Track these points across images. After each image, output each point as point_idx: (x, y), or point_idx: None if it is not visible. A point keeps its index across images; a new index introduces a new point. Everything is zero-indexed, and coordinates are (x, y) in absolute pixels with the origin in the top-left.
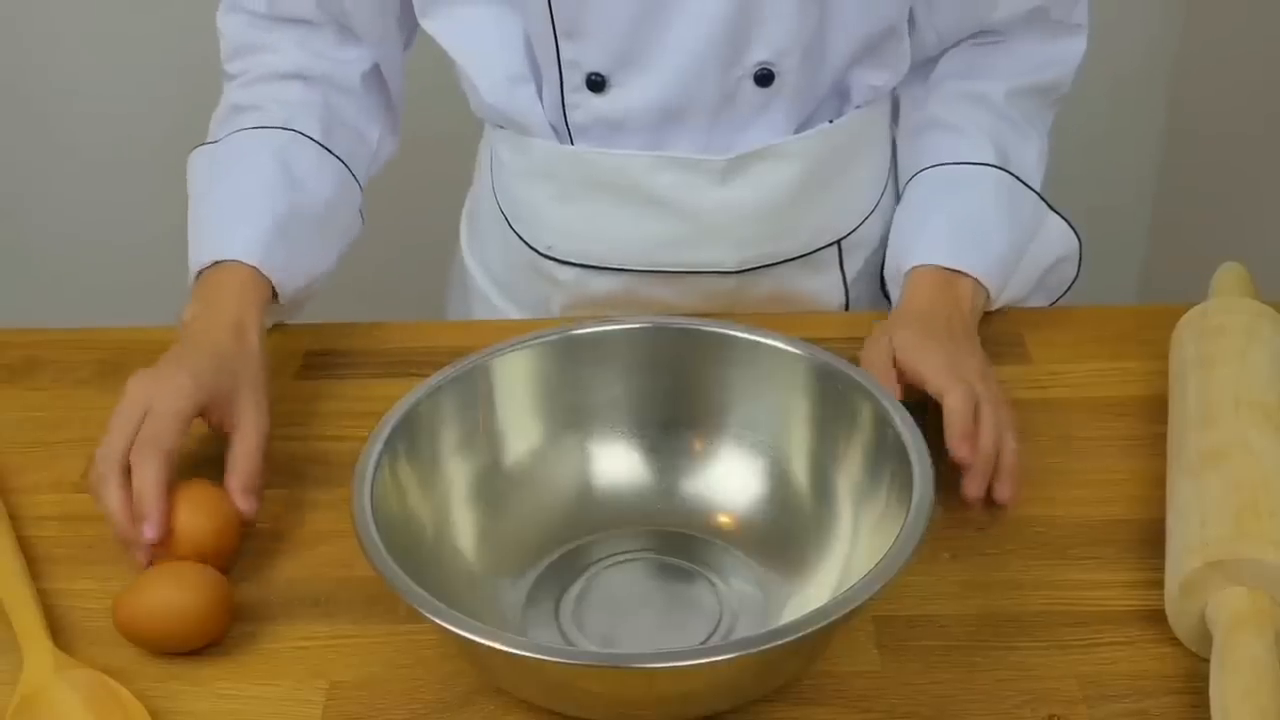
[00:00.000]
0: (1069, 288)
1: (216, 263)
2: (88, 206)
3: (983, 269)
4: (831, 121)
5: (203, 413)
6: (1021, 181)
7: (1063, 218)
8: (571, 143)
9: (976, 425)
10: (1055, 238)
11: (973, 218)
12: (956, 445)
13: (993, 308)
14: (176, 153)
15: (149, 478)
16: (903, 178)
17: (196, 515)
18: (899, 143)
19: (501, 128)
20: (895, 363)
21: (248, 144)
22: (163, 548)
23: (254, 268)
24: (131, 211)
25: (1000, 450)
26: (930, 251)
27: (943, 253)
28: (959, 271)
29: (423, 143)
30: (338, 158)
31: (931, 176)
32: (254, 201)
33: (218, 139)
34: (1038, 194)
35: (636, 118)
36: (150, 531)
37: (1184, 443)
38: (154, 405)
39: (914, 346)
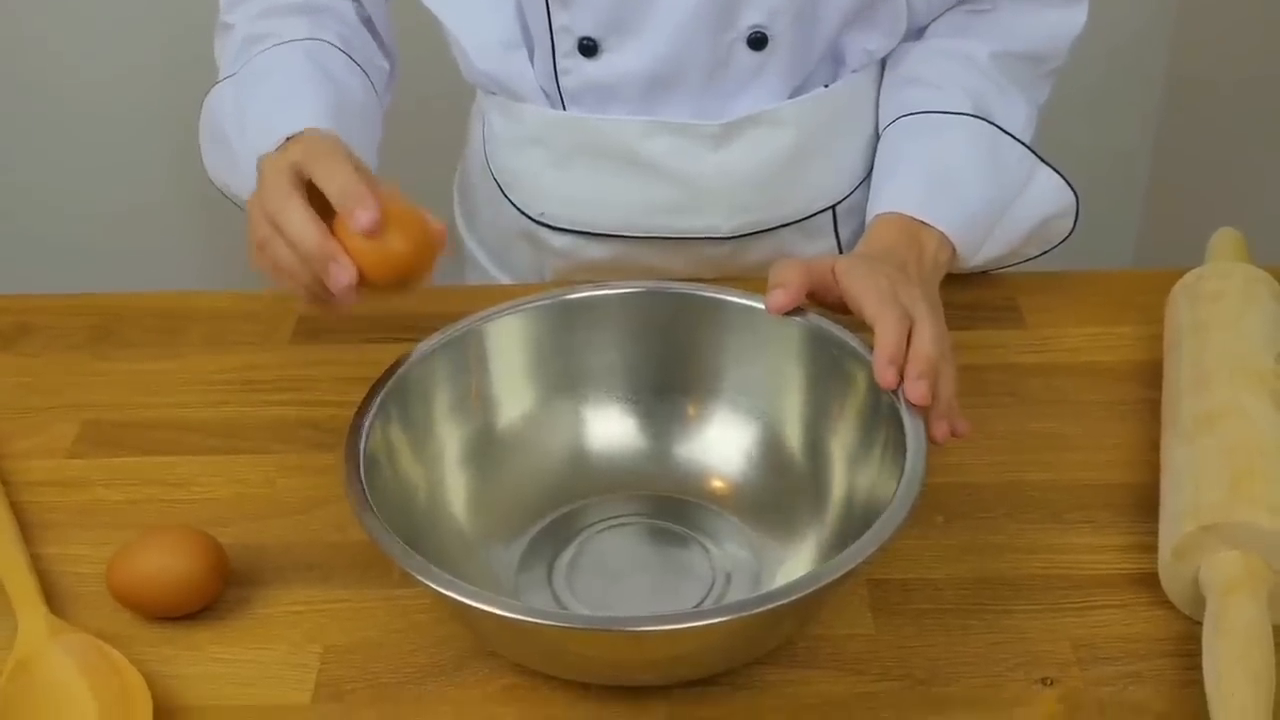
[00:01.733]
0: (1065, 238)
1: (288, 139)
2: (79, 171)
3: (952, 224)
4: (826, 86)
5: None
6: (1006, 133)
7: (1058, 172)
8: (564, 108)
9: (909, 351)
10: (1046, 194)
11: (948, 168)
12: (881, 370)
13: (964, 267)
14: (168, 116)
15: (346, 172)
16: (880, 130)
17: (392, 228)
18: (880, 99)
19: (493, 94)
20: (835, 283)
21: (276, 54)
22: (375, 241)
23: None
24: (124, 176)
25: (937, 379)
26: (898, 199)
27: (912, 201)
28: (926, 223)
29: (413, 110)
30: (362, 69)
31: (906, 123)
32: (304, 88)
33: (234, 71)
34: (1027, 146)
35: (629, 83)
36: (366, 216)
37: (1178, 407)
38: (303, 140)
39: (855, 269)
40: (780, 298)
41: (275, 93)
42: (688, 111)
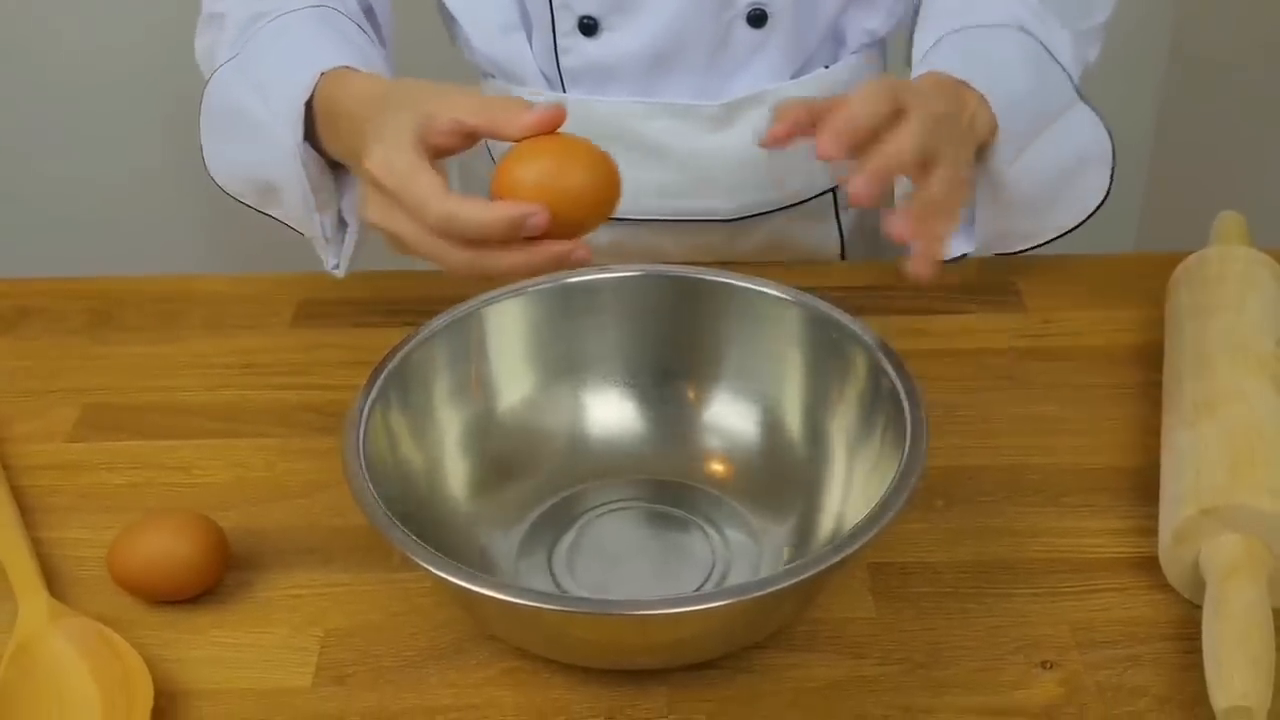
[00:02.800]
0: (1102, 203)
1: (322, 74)
2: (78, 155)
3: (994, 92)
4: (827, 67)
5: (426, 139)
6: (1048, 52)
7: (1095, 111)
8: (564, 90)
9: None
10: (1084, 127)
11: (990, 53)
12: (820, 139)
13: (1002, 171)
14: (169, 99)
15: (471, 214)
16: (915, 60)
17: (564, 168)
18: (914, 39)
19: (493, 76)
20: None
21: (283, 22)
22: (551, 224)
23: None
24: (123, 160)
25: (933, 184)
26: (939, 66)
27: (955, 67)
28: (967, 83)
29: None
30: (370, 39)
31: (945, 40)
32: (324, 39)
33: (234, 55)
34: (1067, 74)
35: (629, 63)
36: (539, 217)
37: (1179, 391)
38: (387, 189)
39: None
40: (778, 130)
41: (294, 45)
42: (688, 92)
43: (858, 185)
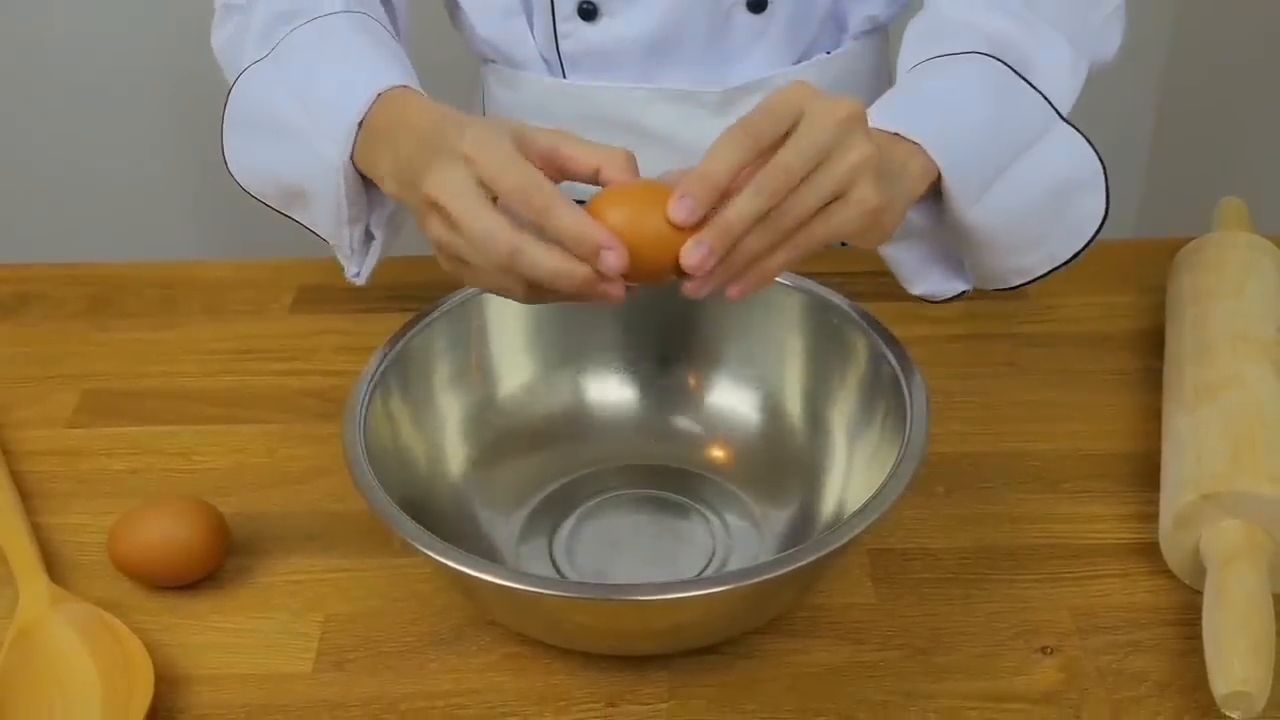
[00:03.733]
0: (1099, 228)
1: (378, 95)
2: (79, 140)
3: (932, 136)
4: (829, 53)
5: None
6: (1019, 75)
7: (1080, 134)
8: (564, 76)
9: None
10: (1064, 151)
11: (936, 89)
12: (673, 205)
13: (964, 213)
14: (169, 85)
15: (569, 215)
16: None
17: (641, 215)
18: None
19: (493, 62)
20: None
21: (318, 26)
22: (632, 267)
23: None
24: (124, 145)
25: (793, 205)
26: (875, 120)
27: (887, 114)
28: (901, 136)
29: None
30: (395, 38)
31: (904, 80)
32: (370, 51)
33: (264, 54)
34: (1043, 96)
35: (629, 48)
36: (615, 258)
37: (1180, 377)
38: (481, 167)
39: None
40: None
41: (340, 55)
42: (689, 78)
43: (691, 257)
